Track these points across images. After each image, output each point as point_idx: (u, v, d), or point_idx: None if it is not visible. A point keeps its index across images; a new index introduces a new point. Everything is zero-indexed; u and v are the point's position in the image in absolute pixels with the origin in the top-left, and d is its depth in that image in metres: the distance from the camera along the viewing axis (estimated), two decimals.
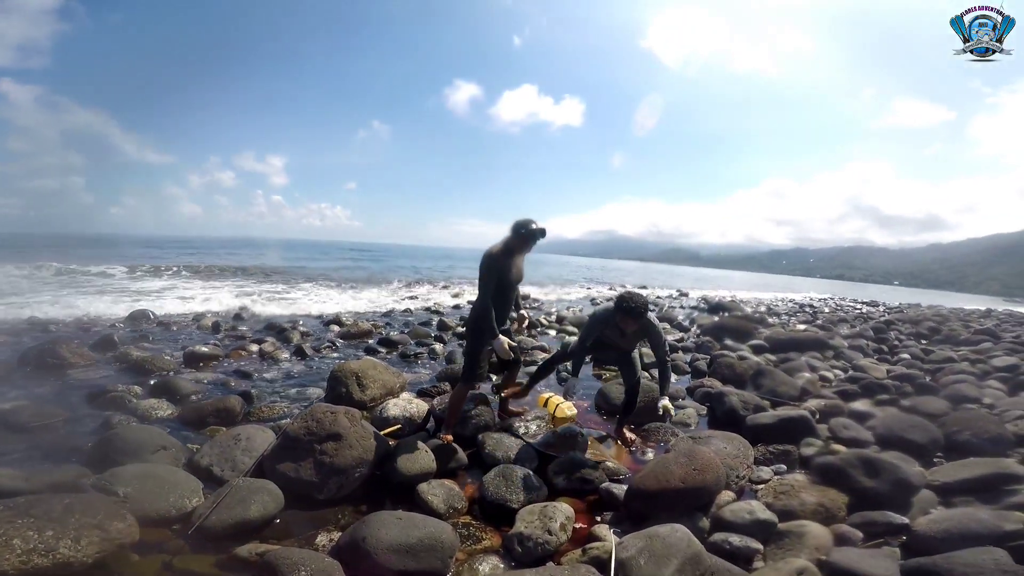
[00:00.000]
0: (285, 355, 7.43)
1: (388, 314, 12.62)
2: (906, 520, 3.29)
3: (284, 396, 5.61)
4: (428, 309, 13.68)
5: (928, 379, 7.29)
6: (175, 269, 21.53)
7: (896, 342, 11.24)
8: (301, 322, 10.20)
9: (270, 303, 12.83)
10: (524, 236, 4.01)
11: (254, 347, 7.61)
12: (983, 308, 29.89)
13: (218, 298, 12.80)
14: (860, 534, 3.23)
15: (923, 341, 11.66)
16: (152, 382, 5.69)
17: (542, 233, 4.05)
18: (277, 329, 9.13)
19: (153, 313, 10.11)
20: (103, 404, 4.95)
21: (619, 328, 4.34)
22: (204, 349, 7.08)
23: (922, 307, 25.36)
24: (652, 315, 4.41)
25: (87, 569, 2.46)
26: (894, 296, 37.65)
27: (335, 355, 7.75)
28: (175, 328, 9.11)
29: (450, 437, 4.21)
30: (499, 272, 3.99)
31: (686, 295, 26.05)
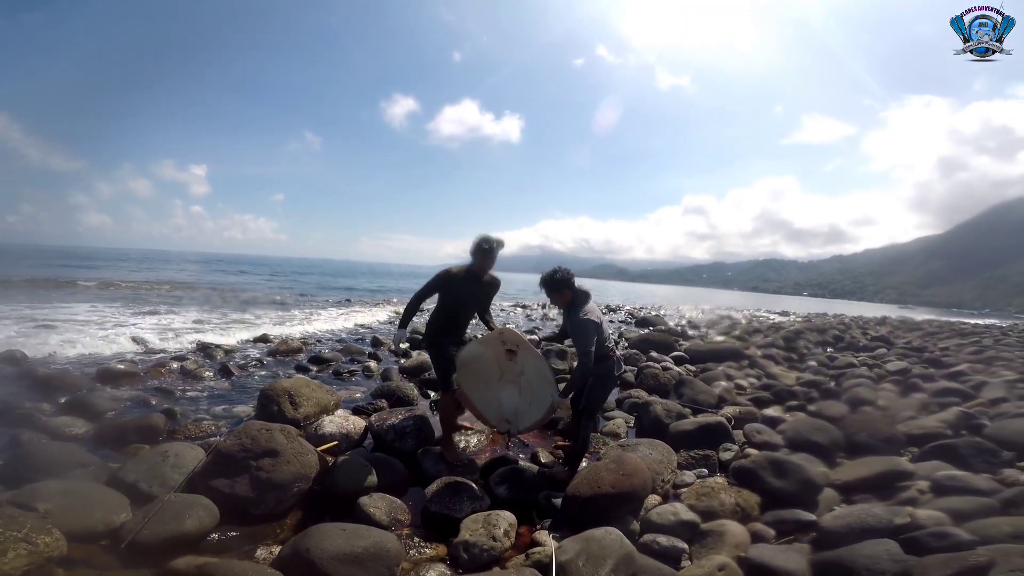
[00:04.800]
0: (209, 373, 7.10)
1: (319, 332, 12.15)
2: (813, 517, 3.62)
3: (210, 414, 5.40)
4: (361, 326, 13.42)
5: (833, 384, 7.94)
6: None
7: (804, 350, 12.05)
8: (223, 341, 9.67)
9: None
10: (485, 251, 4.25)
11: (175, 364, 7.27)
12: (879, 316, 32.44)
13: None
14: (772, 531, 3.54)
15: (828, 349, 12.64)
16: (63, 400, 5.33)
17: (500, 244, 4.29)
18: (200, 346, 8.71)
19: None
20: (9, 421, 4.58)
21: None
22: (120, 366, 6.70)
23: (828, 316, 27.17)
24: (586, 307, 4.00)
25: None
26: (804, 306, 40.14)
27: (263, 373, 7.48)
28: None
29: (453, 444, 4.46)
30: (446, 288, 4.28)
31: (616, 311, 26.57)
